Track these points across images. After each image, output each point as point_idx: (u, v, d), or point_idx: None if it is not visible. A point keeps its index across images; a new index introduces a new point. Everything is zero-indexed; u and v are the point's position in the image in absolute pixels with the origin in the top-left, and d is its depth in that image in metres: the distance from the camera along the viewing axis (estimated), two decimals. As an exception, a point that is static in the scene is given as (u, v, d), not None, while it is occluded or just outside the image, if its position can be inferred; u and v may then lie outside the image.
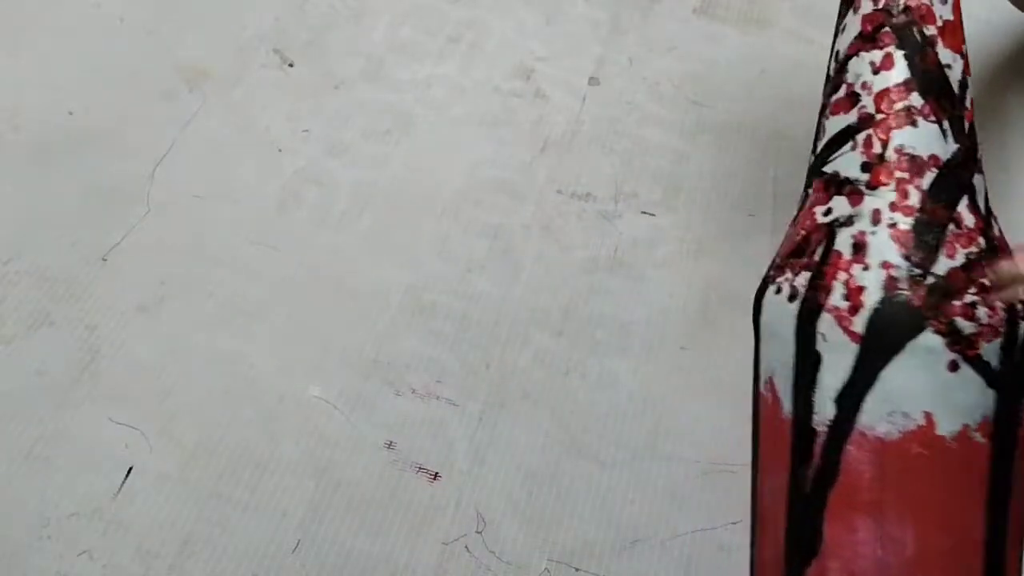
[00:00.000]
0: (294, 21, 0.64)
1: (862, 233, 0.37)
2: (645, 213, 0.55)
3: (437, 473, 0.47)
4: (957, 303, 0.35)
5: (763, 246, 0.52)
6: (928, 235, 0.36)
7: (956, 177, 0.38)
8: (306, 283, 0.53)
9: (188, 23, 0.65)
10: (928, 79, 0.39)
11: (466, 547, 0.45)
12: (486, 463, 0.47)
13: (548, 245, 0.54)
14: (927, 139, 0.38)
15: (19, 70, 0.63)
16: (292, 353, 0.50)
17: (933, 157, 0.38)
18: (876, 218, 0.37)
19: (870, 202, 0.37)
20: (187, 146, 0.59)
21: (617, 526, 0.45)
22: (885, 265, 0.36)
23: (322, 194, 0.57)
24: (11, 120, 0.60)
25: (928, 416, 0.34)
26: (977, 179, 0.39)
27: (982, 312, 0.35)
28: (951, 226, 0.36)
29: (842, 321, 0.36)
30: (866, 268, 0.36)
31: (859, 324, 0.35)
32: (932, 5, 0.39)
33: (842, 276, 0.36)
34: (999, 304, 0.35)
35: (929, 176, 0.37)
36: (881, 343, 0.35)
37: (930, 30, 0.39)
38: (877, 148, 0.38)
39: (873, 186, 0.37)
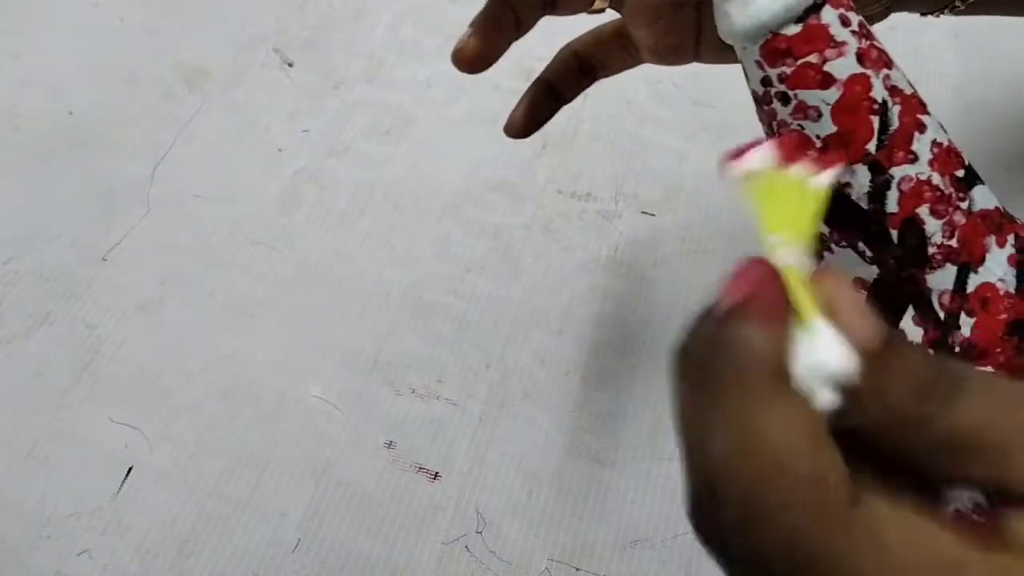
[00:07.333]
0: (294, 21, 0.64)
1: None
2: (645, 213, 0.55)
3: (437, 473, 0.47)
4: None
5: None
6: None
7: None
8: (306, 283, 0.53)
9: (188, 23, 0.65)
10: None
11: (466, 547, 0.44)
12: (486, 463, 0.47)
13: (548, 245, 0.54)
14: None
15: (19, 70, 0.63)
16: (292, 353, 0.50)
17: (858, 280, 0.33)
18: None
19: None
20: (187, 146, 0.59)
21: (617, 526, 0.45)
22: None
23: (322, 194, 0.57)
24: (11, 120, 0.60)
25: None
26: (933, 277, 0.31)
27: None
28: None
29: None
30: None
31: None
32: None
33: None
34: None
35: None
36: None
37: None
38: None
39: None
